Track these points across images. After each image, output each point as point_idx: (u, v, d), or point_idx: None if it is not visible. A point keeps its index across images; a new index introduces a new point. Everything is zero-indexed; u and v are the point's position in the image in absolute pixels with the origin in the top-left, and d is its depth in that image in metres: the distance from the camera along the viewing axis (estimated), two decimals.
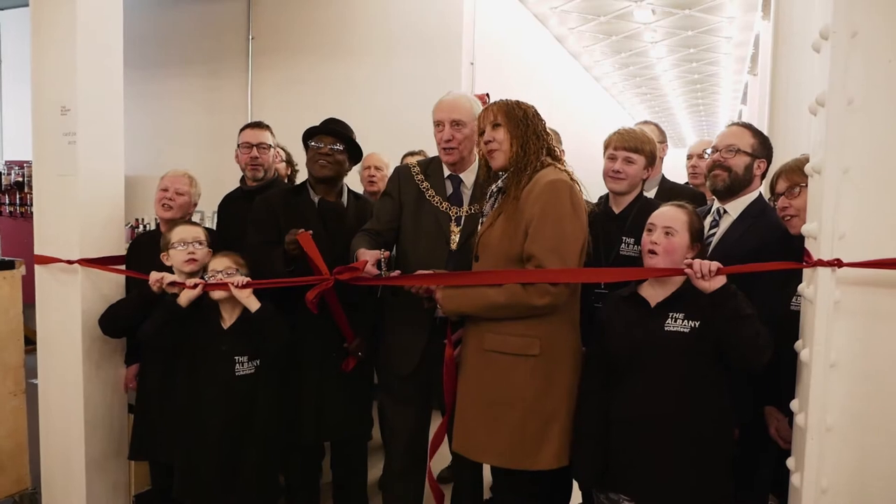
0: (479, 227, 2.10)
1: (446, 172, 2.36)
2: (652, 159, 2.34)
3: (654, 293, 1.94)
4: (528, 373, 1.94)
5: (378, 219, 2.38)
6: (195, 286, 2.29)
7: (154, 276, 2.34)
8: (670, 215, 1.94)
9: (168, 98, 5.94)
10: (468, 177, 2.35)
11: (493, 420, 1.96)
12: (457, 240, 2.27)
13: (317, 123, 2.55)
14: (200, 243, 2.42)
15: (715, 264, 1.77)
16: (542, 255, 1.88)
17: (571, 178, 1.98)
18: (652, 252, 1.92)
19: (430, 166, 2.40)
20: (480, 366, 2.00)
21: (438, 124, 2.30)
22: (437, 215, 2.30)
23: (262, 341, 2.31)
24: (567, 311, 2.00)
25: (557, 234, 1.89)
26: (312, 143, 2.49)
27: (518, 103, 2.04)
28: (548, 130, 2.06)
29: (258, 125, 2.98)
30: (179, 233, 2.41)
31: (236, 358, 2.31)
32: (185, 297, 2.29)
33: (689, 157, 3.32)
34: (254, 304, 2.28)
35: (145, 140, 5.77)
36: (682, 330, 1.84)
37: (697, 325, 1.83)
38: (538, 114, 2.05)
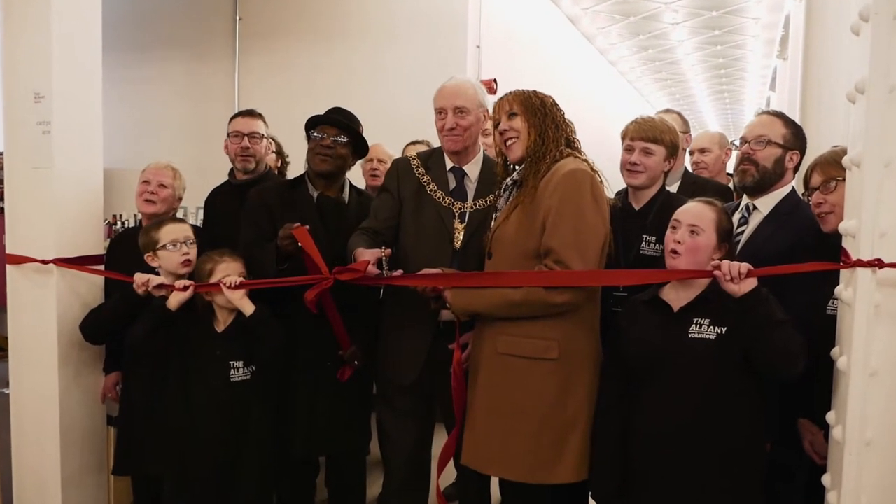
0: (493, 222, 2.11)
1: (448, 165, 2.37)
2: (673, 150, 2.34)
3: (676, 296, 1.94)
4: (546, 378, 1.95)
5: (376, 216, 2.38)
6: (185, 288, 2.29)
7: (139, 278, 2.34)
8: (696, 212, 1.94)
9: (148, 84, 5.94)
10: (472, 169, 2.35)
11: (508, 430, 1.97)
12: (461, 238, 2.27)
13: (310, 112, 2.55)
14: (192, 242, 2.43)
15: (745, 266, 1.77)
16: (561, 250, 1.90)
17: (592, 169, 2.00)
18: (675, 252, 1.92)
19: (432, 158, 2.40)
20: (493, 371, 2.02)
21: (440, 111, 2.31)
22: (440, 211, 2.31)
23: (257, 346, 2.32)
24: (587, 312, 2.02)
25: (577, 227, 1.91)
26: (314, 134, 2.49)
27: (535, 92, 2.08)
28: (567, 121, 2.09)
29: (250, 113, 3.00)
30: (170, 232, 2.40)
31: (231, 363, 2.32)
32: (175, 300, 2.30)
33: (692, 152, 3.35)
34: (248, 307, 2.29)
35: (123, 130, 5.77)
36: (707, 337, 1.84)
37: (724, 331, 1.83)
38: (556, 103, 2.09)
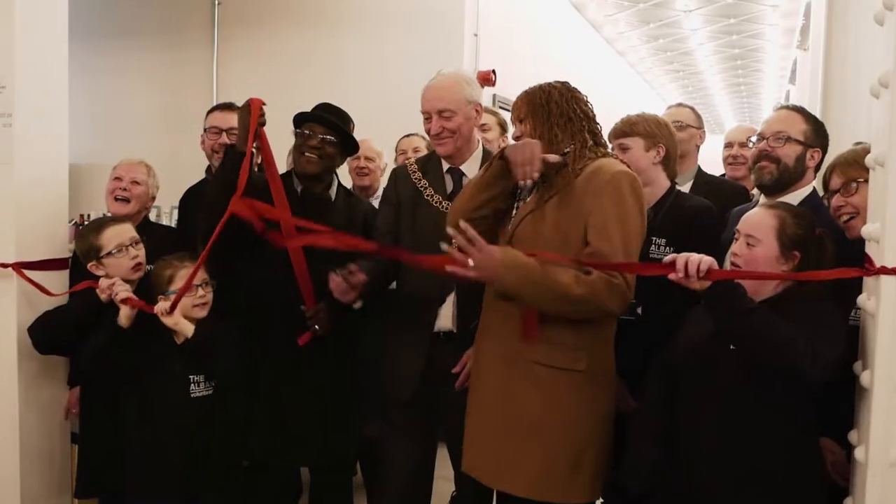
0: (513, 216, 2.09)
1: (445, 166, 2.40)
2: (652, 138, 2.36)
3: None
4: (571, 391, 1.96)
5: (381, 229, 2.44)
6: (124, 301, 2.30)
7: (104, 282, 2.33)
8: (754, 221, 1.91)
9: (118, 74, 5.94)
10: (470, 168, 2.37)
11: (521, 442, 1.98)
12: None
13: (295, 105, 2.57)
14: (138, 242, 2.43)
15: (706, 262, 1.72)
16: (612, 254, 1.90)
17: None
18: (735, 266, 1.90)
19: (429, 162, 2.45)
20: (511, 376, 2.01)
21: (426, 115, 2.35)
22: (436, 216, 2.33)
23: (210, 364, 2.34)
24: (609, 327, 2.05)
25: (626, 231, 1.93)
26: (303, 131, 2.50)
27: (541, 87, 2.07)
28: (587, 111, 2.07)
29: (229, 107, 3.00)
30: (115, 236, 2.40)
31: (191, 377, 2.34)
32: (125, 316, 2.29)
33: (729, 144, 3.32)
34: (187, 329, 2.30)
35: (91, 123, 5.77)
36: None
37: None
38: (570, 92, 2.07)
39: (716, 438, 1.85)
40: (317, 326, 2.42)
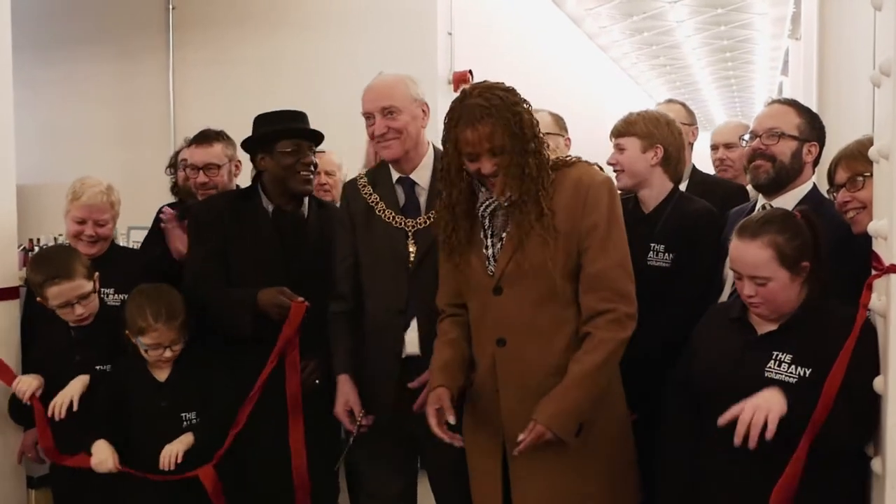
0: (490, 250, 2.07)
1: (395, 176, 2.34)
2: (649, 138, 2.38)
3: (763, 320, 1.93)
4: (602, 410, 2.02)
5: (338, 262, 2.40)
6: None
7: (23, 384, 2.37)
8: (750, 262, 1.87)
9: (66, 87, 5.89)
10: (421, 176, 2.33)
11: (572, 472, 2.01)
12: (413, 259, 2.28)
13: (257, 113, 2.55)
14: (86, 297, 2.40)
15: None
16: (611, 273, 1.97)
17: None
18: (753, 304, 1.90)
19: (379, 172, 2.40)
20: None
21: (368, 117, 2.29)
22: (390, 233, 2.30)
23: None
24: None
25: (621, 246, 2.01)
26: (287, 149, 2.47)
27: (509, 108, 1.92)
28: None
29: (205, 139, 2.92)
30: (58, 296, 2.36)
31: (183, 415, 2.31)
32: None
33: (715, 147, 3.30)
34: (188, 441, 2.29)
35: (39, 140, 5.70)
36: (786, 379, 1.79)
37: (808, 373, 1.77)
38: (526, 103, 2.01)
39: (753, 479, 1.82)
40: (317, 381, 2.45)
